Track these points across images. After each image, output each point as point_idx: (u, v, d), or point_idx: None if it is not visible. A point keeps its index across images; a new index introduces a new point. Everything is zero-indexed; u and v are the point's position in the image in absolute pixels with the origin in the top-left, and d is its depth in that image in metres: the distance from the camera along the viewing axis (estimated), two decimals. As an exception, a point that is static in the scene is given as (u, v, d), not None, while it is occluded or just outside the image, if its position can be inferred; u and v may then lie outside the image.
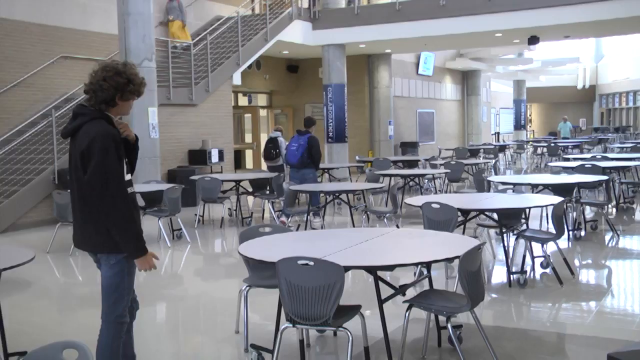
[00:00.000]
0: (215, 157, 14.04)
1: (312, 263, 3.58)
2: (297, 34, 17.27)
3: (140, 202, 9.32)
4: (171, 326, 5.57)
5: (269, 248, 4.34)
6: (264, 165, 20.41)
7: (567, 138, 25.36)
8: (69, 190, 4.08)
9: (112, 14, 12.12)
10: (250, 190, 10.99)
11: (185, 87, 13.77)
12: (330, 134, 18.12)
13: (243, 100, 21.26)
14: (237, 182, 10.68)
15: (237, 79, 15.31)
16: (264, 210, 11.63)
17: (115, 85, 3.52)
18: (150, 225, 9.43)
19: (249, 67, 17.30)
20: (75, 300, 6.46)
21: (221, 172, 14.10)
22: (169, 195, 8.66)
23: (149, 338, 5.18)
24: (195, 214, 10.56)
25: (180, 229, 9.14)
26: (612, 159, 12.12)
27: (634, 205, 11.14)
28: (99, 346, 3.72)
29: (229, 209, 11.17)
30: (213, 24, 15.97)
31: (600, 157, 12.62)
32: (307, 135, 10.01)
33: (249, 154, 20.72)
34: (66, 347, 2.35)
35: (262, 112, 21.46)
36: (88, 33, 13.72)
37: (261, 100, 21.97)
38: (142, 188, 9.40)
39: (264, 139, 21.12)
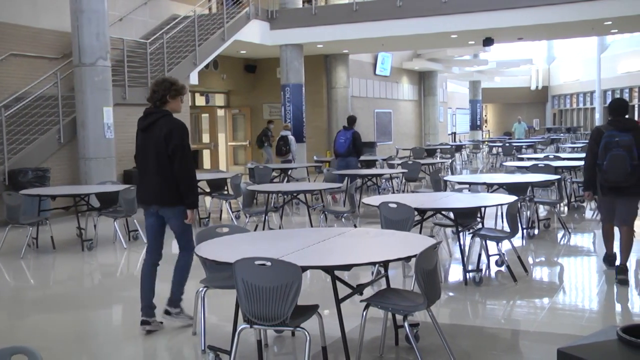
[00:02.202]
0: (172, 158, 13.83)
1: (269, 263, 3.57)
2: (255, 34, 17.22)
3: (95, 203, 9.18)
4: (128, 328, 5.49)
5: (226, 248, 4.32)
6: (222, 166, 20.37)
7: (522, 139, 25.76)
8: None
9: (65, 10, 11.87)
10: (208, 190, 10.91)
11: (142, 86, 13.59)
12: (289, 134, 18.09)
13: (200, 100, 21.10)
14: (195, 182, 10.57)
15: (194, 79, 15.18)
16: (221, 210, 11.55)
17: (164, 88, 4.98)
18: (106, 226, 9.29)
19: (206, 66, 17.17)
20: (26, 304, 6.32)
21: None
22: (125, 196, 8.54)
23: (106, 340, 5.10)
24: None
25: (137, 230, 9.01)
26: (564, 159, 12.40)
27: (585, 204, 11.41)
28: (181, 265, 5.23)
29: (186, 209, 11.04)
30: (169, 23, 15.79)
31: (552, 157, 12.90)
32: (352, 130, 12.13)
33: (206, 154, 20.57)
34: (15, 353, 2.29)
35: (220, 112, 21.34)
36: (39, 30, 13.40)
37: (219, 100, 21.84)
38: (97, 189, 9.26)
39: (221, 139, 21.06)
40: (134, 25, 15.87)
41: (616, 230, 6.33)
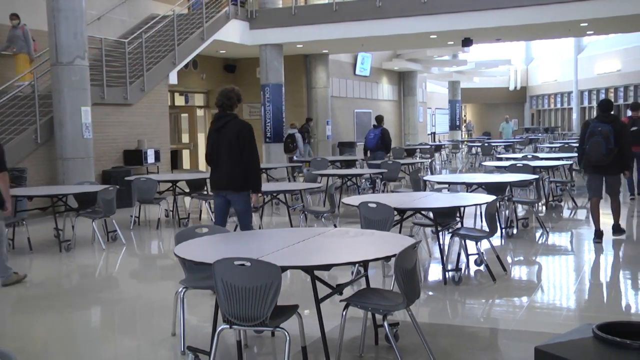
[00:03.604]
0: (151, 158, 13.81)
1: (248, 263, 3.57)
2: (234, 34, 17.17)
3: (73, 203, 9.10)
4: (107, 330, 5.45)
5: (206, 249, 4.30)
6: (201, 166, 20.27)
7: (509, 138, 25.55)
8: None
9: (41, 9, 11.73)
10: (187, 190, 10.86)
11: (120, 86, 13.50)
12: (268, 134, 18.09)
13: (180, 100, 20.99)
14: (174, 182, 10.53)
15: (173, 79, 15.11)
16: (201, 211, 11.50)
17: (235, 96, 6.11)
18: (84, 227, 9.21)
19: (186, 66, 17.10)
20: (2, 305, 6.23)
21: (157, 172, 13.89)
22: (103, 197, 8.47)
23: (84, 342, 5.06)
24: (131, 215, 10.37)
25: (115, 230, 8.95)
26: (542, 159, 12.52)
27: (562, 203, 11.53)
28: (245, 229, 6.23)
29: (166, 210, 11.00)
30: (148, 22, 15.70)
31: (531, 156, 13.01)
32: (380, 128, 14.04)
33: (185, 154, 20.47)
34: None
35: (199, 112, 21.24)
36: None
37: (198, 100, 21.74)
38: (75, 189, 9.17)
39: (201, 138, 20.95)
40: (112, 24, 15.75)
41: (601, 206, 7.95)
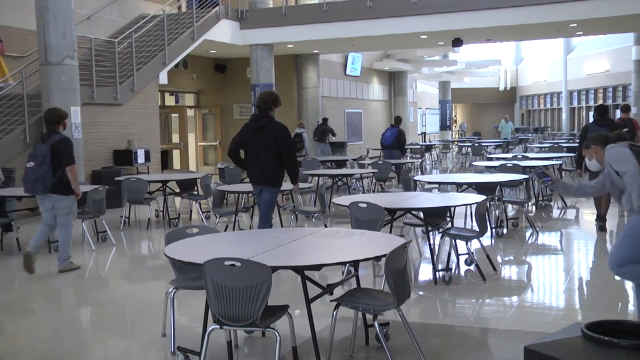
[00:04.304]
0: (141, 158, 13.77)
1: (239, 264, 3.56)
2: (225, 34, 17.14)
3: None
4: (96, 331, 5.43)
5: (196, 249, 4.29)
6: (192, 166, 20.23)
7: (507, 138, 25.21)
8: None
9: (29, 8, 11.65)
10: (178, 191, 10.83)
11: (110, 86, 13.44)
12: (259, 134, 18.03)
13: (170, 100, 20.94)
14: (164, 182, 10.50)
15: (163, 79, 15.05)
16: (191, 211, 11.48)
17: (272, 99, 6.73)
18: (74, 227, 9.16)
19: (176, 66, 17.05)
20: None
21: (147, 172, 13.84)
22: (93, 197, 8.43)
23: (74, 343, 5.03)
24: (121, 216, 10.33)
25: (105, 231, 8.91)
26: (532, 159, 12.57)
27: (552, 203, 11.58)
28: (263, 223, 6.88)
29: (156, 210, 10.97)
30: (138, 22, 15.63)
31: (520, 156, 13.07)
32: (397, 128, 14.86)
33: (176, 154, 20.41)
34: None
35: (190, 112, 21.18)
36: (3, 28, 13.09)
37: (188, 100, 21.69)
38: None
39: (191, 139, 20.91)
40: (101, 23, 15.68)
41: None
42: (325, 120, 19.85)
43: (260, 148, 6.65)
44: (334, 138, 19.89)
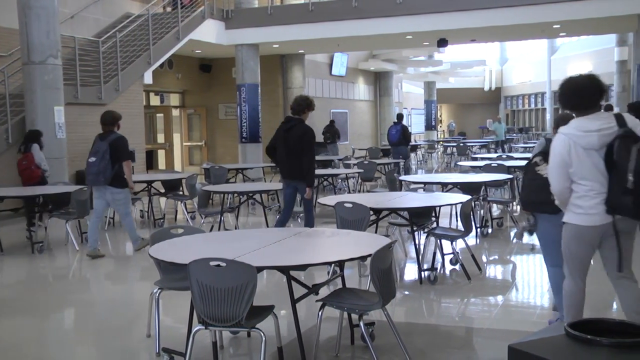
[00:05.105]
0: (126, 158, 13.66)
1: (224, 264, 3.55)
2: (210, 33, 17.09)
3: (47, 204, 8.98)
4: (81, 332, 5.39)
5: (181, 250, 4.28)
6: (177, 166, 20.14)
7: (504, 140, 24.90)
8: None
9: (11, 6, 11.54)
10: (163, 191, 10.78)
11: (94, 85, 13.36)
12: (244, 134, 18.03)
13: (155, 100, 20.83)
14: (149, 183, 10.45)
15: (148, 78, 14.98)
16: (176, 211, 11.43)
17: (306, 104, 7.40)
18: (57, 228, 9.10)
19: (161, 66, 16.97)
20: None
21: (132, 172, 13.74)
22: (77, 197, 8.37)
23: (58, 344, 5.00)
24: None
25: (89, 231, 8.84)
26: (517, 159, 12.63)
27: (537, 203, 11.63)
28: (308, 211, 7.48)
29: (141, 210, 10.92)
30: (122, 21, 15.54)
31: (505, 156, 13.14)
32: (401, 124, 15.58)
33: (161, 154, 20.32)
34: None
35: (175, 112, 21.11)
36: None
37: (174, 100, 21.60)
38: (48, 190, 9.06)
39: (176, 139, 20.83)
40: (85, 23, 15.57)
41: None
42: (332, 122, 19.94)
43: (288, 148, 7.31)
44: (338, 140, 19.86)
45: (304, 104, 7.39)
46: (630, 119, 3.79)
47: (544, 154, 4.36)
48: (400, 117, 16.20)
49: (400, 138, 15.43)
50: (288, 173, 7.46)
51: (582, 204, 3.81)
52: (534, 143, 20.55)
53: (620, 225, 3.79)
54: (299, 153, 7.24)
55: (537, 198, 4.44)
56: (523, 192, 4.77)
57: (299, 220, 9.25)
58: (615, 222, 3.76)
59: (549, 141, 4.34)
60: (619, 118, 3.77)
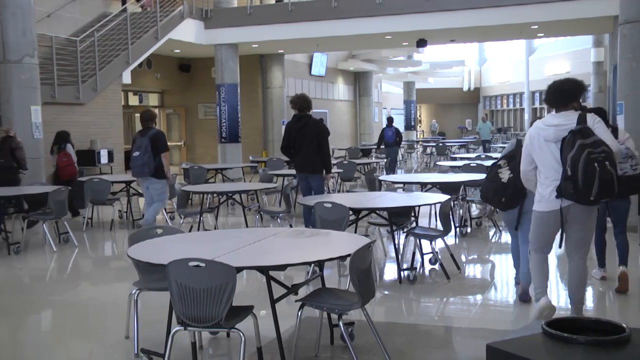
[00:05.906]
0: (104, 158, 13.60)
1: (203, 264, 3.54)
2: (189, 33, 17.01)
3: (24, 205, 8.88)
4: (58, 333, 5.34)
5: (160, 250, 4.25)
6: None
7: (489, 140, 24.73)
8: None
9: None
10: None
11: (72, 85, 13.24)
12: (224, 134, 17.97)
13: (134, 100, 20.68)
14: (128, 183, 10.38)
15: (126, 78, 14.88)
16: (155, 212, 11.34)
17: (310, 102, 8.26)
18: (35, 229, 9.00)
19: (140, 65, 16.86)
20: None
21: (111, 173, 13.67)
22: (55, 198, 8.29)
23: (36, 346, 4.94)
24: (83, 217, 10.18)
25: (67, 232, 8.77)
26: (495, 159, 12.69)
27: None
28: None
29: (119, 211, 10.84)
30: (100, 21, 15.42)
31: (484, 156, 13.23)
32: (393, 127, 16.68)
33: (140, 155, 20.15)
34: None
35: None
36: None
37: (152, 99, 21.47)
38: (25, 190, 8.96)
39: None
40: (62, 22, 15.41)
41: None
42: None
43: (304, 143, 7.97)
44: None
45: (309, 102, 8.20)
46: (591, 119, 4.47)
47: (510, 158, 5.24)
48: (391, 120, 17.08)
49: (395, 139, 16.58)
50: (304, 166, 8.08)
51: (543, 192, 4.57)
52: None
53: (573, 210, 4.48)
54: (315, 146, 7.94)
55: (492, 198, 5.39)
56: (483, 187, 5.58)
57: (278, 220, 9.24)
58: (562, 207, 4.46)
59: (519, 142, 5.13)
60: (581, 117, 4.47)
